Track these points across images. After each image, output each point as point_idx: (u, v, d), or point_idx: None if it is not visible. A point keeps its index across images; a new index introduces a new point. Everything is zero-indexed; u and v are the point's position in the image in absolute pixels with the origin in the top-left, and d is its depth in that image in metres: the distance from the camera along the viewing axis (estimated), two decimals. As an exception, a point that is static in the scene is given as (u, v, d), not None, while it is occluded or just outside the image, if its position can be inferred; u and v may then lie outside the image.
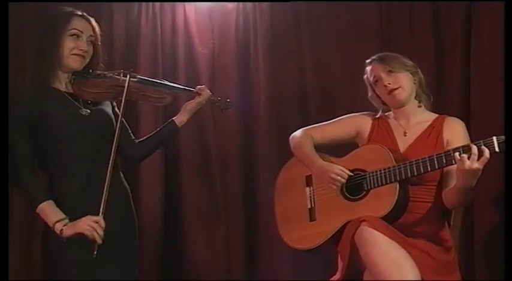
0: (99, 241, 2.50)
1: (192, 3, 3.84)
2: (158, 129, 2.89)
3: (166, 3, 3.83)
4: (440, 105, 3.53)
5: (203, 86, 2.91)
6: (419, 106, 2.87)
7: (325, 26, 3.77)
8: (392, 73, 2.80)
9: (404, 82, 2.81)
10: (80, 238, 2.51)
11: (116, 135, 2.58)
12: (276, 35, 3.80)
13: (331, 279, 2.70)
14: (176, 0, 3.83)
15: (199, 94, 2.86)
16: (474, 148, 2.47)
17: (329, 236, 2.75)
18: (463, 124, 2.83)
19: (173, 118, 2.86)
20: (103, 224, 2.51)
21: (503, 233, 2.49)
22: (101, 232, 2.50)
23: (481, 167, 2.47)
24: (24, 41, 3.65)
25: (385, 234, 2.53)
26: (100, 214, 2.51)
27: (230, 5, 3.85)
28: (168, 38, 3.82)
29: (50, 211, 2.54)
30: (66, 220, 2.52)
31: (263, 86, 3.78)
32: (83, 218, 2.51)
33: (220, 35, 3.85)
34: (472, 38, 3.55)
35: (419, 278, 2.49)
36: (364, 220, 2.56)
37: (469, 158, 2.46)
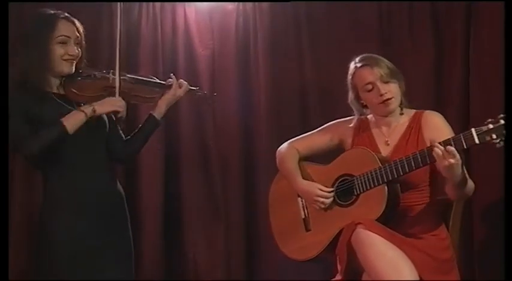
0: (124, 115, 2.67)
1: (192, 5, 3.85)
2: (140, 126, 2.85)
3: (166, 4, 3.84)
4: (440, 105, 3.55)
5: (181, 81, 2.83)
6: (401, 113, 2.84)
7: (325, 26, 3.79)
8: (387, 82, 2.78)
9: (395, 92, 2.79)
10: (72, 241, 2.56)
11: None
12: (276, 36, 3.81)
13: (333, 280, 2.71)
14: (176, 0, 3.84)
15: (170, 87, 2.79)
16: (448, 146, 2.49)
17: (326, 245, 2.76)
18: (442, 117, 2.81)
19: (151, 112, 2.81)
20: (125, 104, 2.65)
21: (503, 233, 2.48)
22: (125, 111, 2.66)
23: (457, 157, 2.48)
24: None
25: (381, 235, 2.53)
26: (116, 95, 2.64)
27: (230, 6, 3.86)
28: (169, 39, 3.83)
29: (71, 116, 2.56)
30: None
31: (263, 87, 3.79)
32: (108, 99, 2.62)
33: (221, 36, 3.86)
34: (471, 38, 3.57)
35: (417, 279, 2.50)
36: (359, 223, 2.57)
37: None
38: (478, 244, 3.53)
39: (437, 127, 2.75)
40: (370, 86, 2.79)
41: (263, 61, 3.79)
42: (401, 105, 2.83)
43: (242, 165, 3.83)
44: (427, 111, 2.82)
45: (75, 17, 2.69)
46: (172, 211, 3.79)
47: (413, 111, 2.84)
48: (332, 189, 2.79)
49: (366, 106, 2.88)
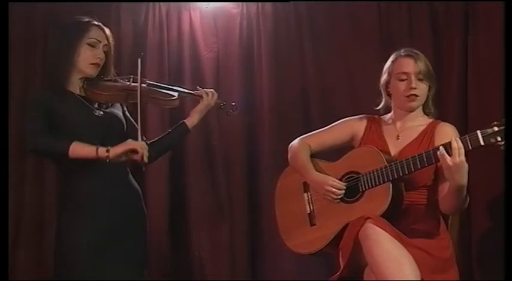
0: (146, 160, 2.60)
1: (198, 9, 3.90)
2: (169, 130, 2.94)
3: (172, 9, 3.89)
4: (438, 104, 3.58)
5: (210, 90, 2.97)
6: (423, 116, 2.89)
7: (326, 27, 3.83)
8: (421, 80, 2.82)
9: (423, 92, 2.84)
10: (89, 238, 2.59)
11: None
12: (279, 38, 3.86)
13: (334, 276, 2.73)
14: (180, 0, 3.90)
15: (203, 97, 2.92)
16: (454, 143, 2.53)
17: (330, 239, 2.80)
18: (455, 129, 2.85)
19: (184, 120, 2.92)
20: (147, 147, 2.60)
21: (502, 232, 2.51)
22: (147, 154, 2.58)
23: (462, 159, 2.51)
24: (36, 44, 3.73)
25: (388, 232, 2.56)
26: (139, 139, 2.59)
27: (234, 10, 3.91)
28: (175, 42, 3.89)
29: (83, 145, 2.58)
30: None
31: (266, 89, 3.84)
32: (130, 140, 2.60)
33: (225, 39, 3.91)
34: (469, 38, 3.61)
35: (419, 278, 2.53)
36: (368, 218, 2.60)
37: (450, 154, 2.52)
38: (477, 242, 3.55)
39: (448, 135, 2.75)
40: (404, 76, 2.83)
41: (266, 63, 3.84)
42: (426, 110, 2.88)
43: (246, 165, 3.86)
44: (443, 122, 2.87)
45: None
46: (177, 211, 3.83)
47: (430, 119, 2.89)
48: (344, 183, 2.82)
49: (390, 95, 2.91)
